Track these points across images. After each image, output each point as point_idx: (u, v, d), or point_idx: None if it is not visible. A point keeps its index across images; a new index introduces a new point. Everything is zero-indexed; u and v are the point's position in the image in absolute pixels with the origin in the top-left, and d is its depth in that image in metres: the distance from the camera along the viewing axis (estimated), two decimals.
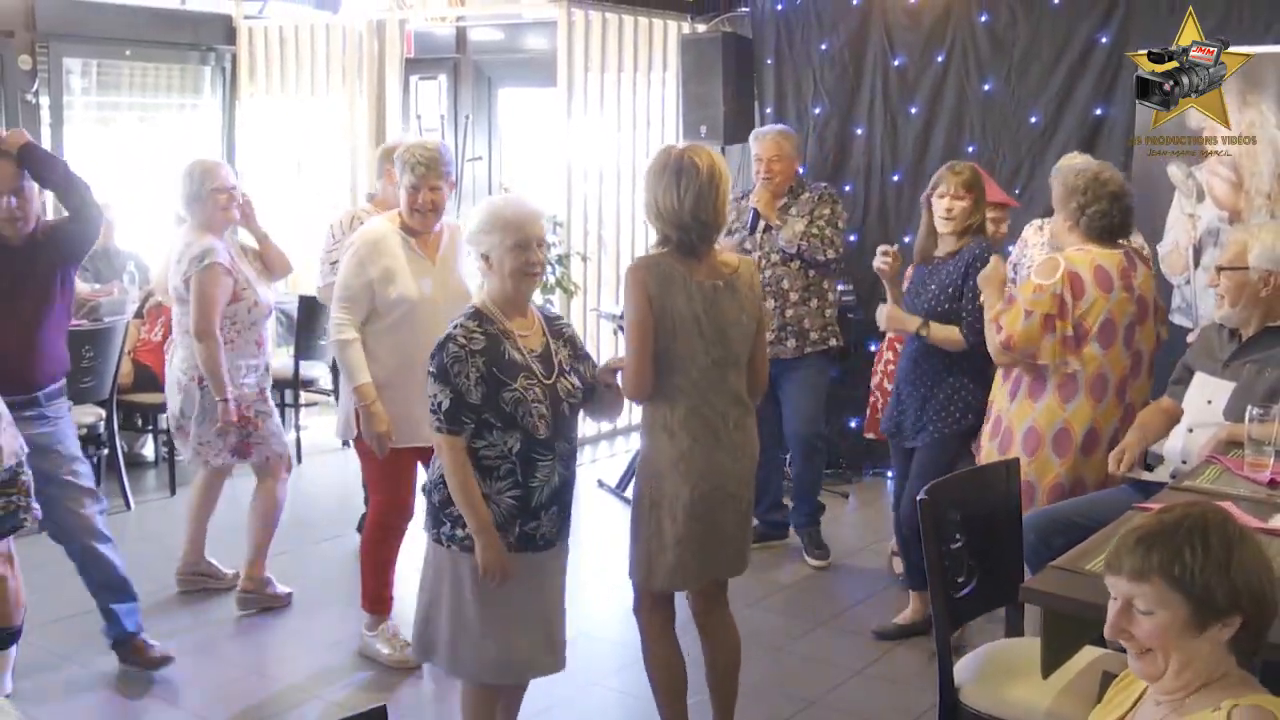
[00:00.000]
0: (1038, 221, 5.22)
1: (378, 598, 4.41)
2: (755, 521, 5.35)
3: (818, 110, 6.74)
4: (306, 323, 6.79)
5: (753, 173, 5.36)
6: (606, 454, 7.19)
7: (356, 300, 4.15)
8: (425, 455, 4.21)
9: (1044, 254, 4.78)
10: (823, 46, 6.70)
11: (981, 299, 4.10)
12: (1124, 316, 3.93)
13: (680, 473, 3.32)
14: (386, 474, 4.31)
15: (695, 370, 3.31)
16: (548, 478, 3.19)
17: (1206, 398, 3.72)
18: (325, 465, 6.92)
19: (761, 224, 5.27)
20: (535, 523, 3.19)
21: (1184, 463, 3.67)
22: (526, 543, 3.19)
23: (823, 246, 5.17)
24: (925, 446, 4.44)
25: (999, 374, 4.16)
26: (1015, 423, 4.02)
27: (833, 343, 5.37)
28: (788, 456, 5.68)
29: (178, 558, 5.02)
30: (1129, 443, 3.78)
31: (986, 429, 4.21)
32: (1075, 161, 4.42)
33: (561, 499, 3.26)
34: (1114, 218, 3.96)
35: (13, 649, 3.93)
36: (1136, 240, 4.81)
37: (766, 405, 5.36)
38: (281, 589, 4.86)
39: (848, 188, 6.65)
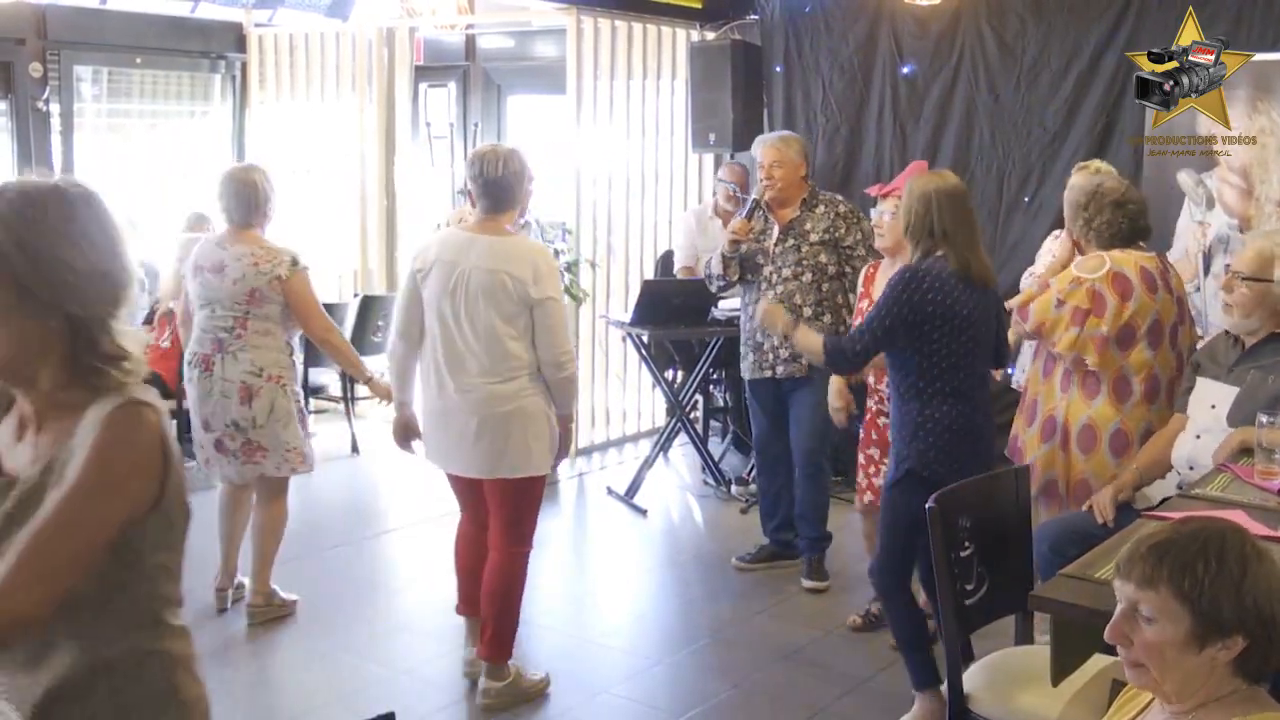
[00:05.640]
0: (1056, 231, 5.19)
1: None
2: (766, 540, 5.37)
3: (826, 118, 6.74)
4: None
5: (757, 180, 5.11)
6: (615, 461, 7.17)
7: None
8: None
9: (1050, 262, 4.76)
10: (832, 54, 6.70)
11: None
12: (1169, 318, 3.95)
13: None
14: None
15: None
16: None
17: (1210, 403, 3.70)
18: (334, 472, 6.92)
19: (775, 234, 5.04)
20: None
21: (1191, 469, 3.65)
22: None
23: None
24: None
25: (1039, 366, 4.07)
26: (1071, 417, 3.95)
27: None
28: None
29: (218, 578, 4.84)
30: (1124, 482, 3.71)
31: (1029, 425, 4.08)
32: (1078, 179, 4.38)
33: None
34: (1121, 225, 3.95)
35: None
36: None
37: (777, 422, 5.26)
38: (287, 596, 4.85)
39: (856, 196, 6.64)
